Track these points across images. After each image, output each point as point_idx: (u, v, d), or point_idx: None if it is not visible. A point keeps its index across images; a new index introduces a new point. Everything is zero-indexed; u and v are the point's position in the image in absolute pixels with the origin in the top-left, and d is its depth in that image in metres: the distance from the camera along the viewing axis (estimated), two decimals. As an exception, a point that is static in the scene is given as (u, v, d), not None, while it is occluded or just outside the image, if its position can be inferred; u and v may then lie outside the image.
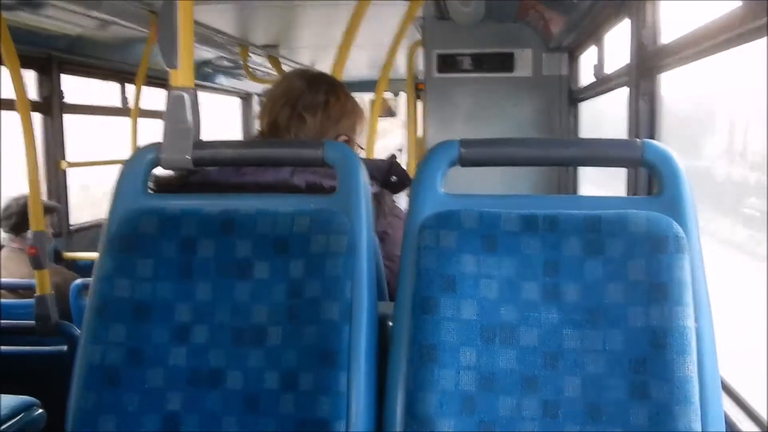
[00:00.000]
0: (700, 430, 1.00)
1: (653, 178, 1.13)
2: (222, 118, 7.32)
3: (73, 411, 1.13)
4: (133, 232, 1.18)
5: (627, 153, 1.13)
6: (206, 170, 1.36)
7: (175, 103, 1.21)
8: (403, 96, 6.72)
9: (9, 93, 2.66)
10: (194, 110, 1.22)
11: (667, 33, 2.03)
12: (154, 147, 1.23)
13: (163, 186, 1.33)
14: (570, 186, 3.67)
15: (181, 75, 1.22)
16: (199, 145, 1.22)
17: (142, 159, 1.23)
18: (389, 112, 6.81)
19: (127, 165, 1.24)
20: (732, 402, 1.49)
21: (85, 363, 1.14)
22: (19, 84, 2.59)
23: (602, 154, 1.16)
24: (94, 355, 1.14)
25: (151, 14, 3.40)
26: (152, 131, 4.25)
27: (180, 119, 1.21)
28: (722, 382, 1.10)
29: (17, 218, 3.14)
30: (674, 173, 1.11)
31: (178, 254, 1.17)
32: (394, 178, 1.48)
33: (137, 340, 1.14)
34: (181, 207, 1.20)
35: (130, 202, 1.21)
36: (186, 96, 1.21)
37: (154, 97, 4.67)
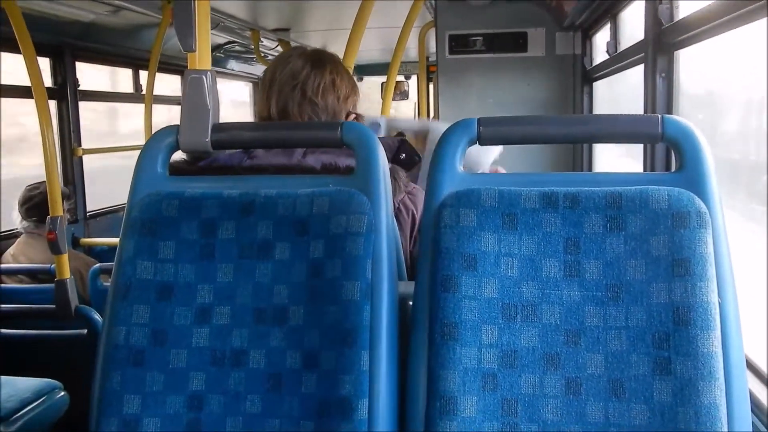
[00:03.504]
0: (724, 405, 1.00)
1: (675, 154, 1.12)
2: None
3: (98, 391, 1.15)
4: (154, 215, 1.19)
5: (647, 129, 1.12)
6: (215, 154, 1.36)
7: (193, 85, 1.21)
8: (414, 78, 6.69)
9: (25, 80, 2.67)
10: (212, 93, 1.22)
11: (685, 9, 2.01)
12: (173, 130, 1.23)
13: (174, 171, 1.33)
14: (585, 163, 3.65)
15: (199, 58, 1.22)
16: (218, 127, 1.22)
17: (161, 142, 1.24)
18: (403, 95, 6.75)
19: (147, 148, 1.24)
20: (756, 378, 1.49)
21: (109, 344, 1.15)
22: (35, 71, 2.60)
23: (622, 130, 1.15)
24: (118, 336, 1.15)
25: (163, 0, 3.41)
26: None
27: (198, 102, 1.21)
28: (746, 359, 1.10)
29: (40, 205, 3.16)
30: (696, 148, 1.10)
31: (200, 236, 1.18)
32: (403, 156, 1.48)
33: (160, 321, 1.15)
34: (202, 190, 1.21)
35: (151, 186, 1.22)
36: (204, 79, 1.22)
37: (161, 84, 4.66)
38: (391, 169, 1.45)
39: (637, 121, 1.15)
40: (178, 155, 1.29)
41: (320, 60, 1.51)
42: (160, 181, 1.23)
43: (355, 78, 1.62)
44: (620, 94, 3.22)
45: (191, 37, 1.20)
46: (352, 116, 1.53)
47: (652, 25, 2.13)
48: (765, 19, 1.43)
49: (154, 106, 4.26)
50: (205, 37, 1.23)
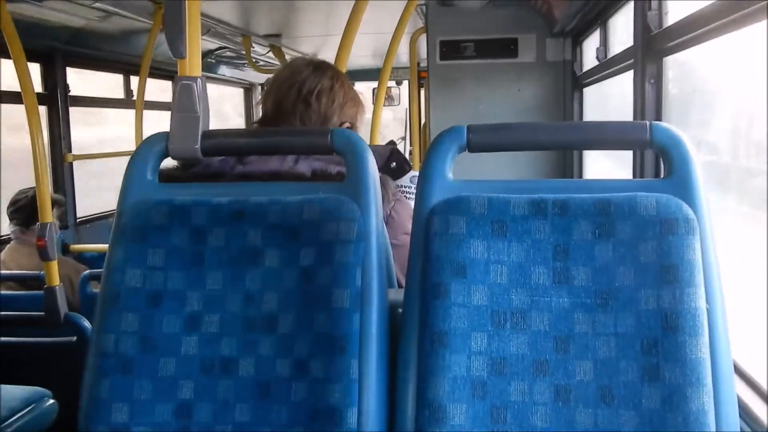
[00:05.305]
0: (712, 411, 1.00)
1: (663, 160, 1.13)
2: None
3: (87, 399, 1.14)
4: (143, 222, 1.19)
5: (636, 135, 1.13)
6: (208, 160, 1.36)
7: (183, 92, 1.21)
8: (405, 84, 6.71)
9: (15, 86, 2.66)
10: (202, 99, 1.22)
11: (674, 15, 2.01)
12: (163, 137, 1.23)
13: (166, 178, 1.33)
14: (575, 170, 3.66)
15: (189, 64, 1.22)
16: (208, 134, 1.22)
17: (151, 149, 1.23)
18: (390, 100, 6.78)
19: (136, 155, 1.24)
20: (744, 384, 1.49)
21: (98, 352, 1.15)
22: (25, 77, 2.60)
23: (611, 137, 1.16)
24: (107, 344, 1.14)
25: (155, 5, 3.40)
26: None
27: (188, 108, 1.21)
28: (734, 365, 1.10)
29: (27, 211, 3.15)
30: (684, 155, 1.10)
31: (189, 243, 1.18)
32: (393, 164, 1.49)
33: (150, 328, 1.15)
34: (191, 197, 1.21)
35: (140, 193, 1.22)
36: (194, 85, 1.21)
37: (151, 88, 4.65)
38: (382, 178, 1.46)
39: (625, 128, 1.15)
40: (170, 161, 1.29)
41: (322, 66, 1.56)
42: (150, 188, 1.23)
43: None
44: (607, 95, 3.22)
45: (181, 44, 1.20)
46: (346, 125, 1.54)
47: (641, 31, 2.14)
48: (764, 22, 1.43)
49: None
50: (196, 43, 1.23)
